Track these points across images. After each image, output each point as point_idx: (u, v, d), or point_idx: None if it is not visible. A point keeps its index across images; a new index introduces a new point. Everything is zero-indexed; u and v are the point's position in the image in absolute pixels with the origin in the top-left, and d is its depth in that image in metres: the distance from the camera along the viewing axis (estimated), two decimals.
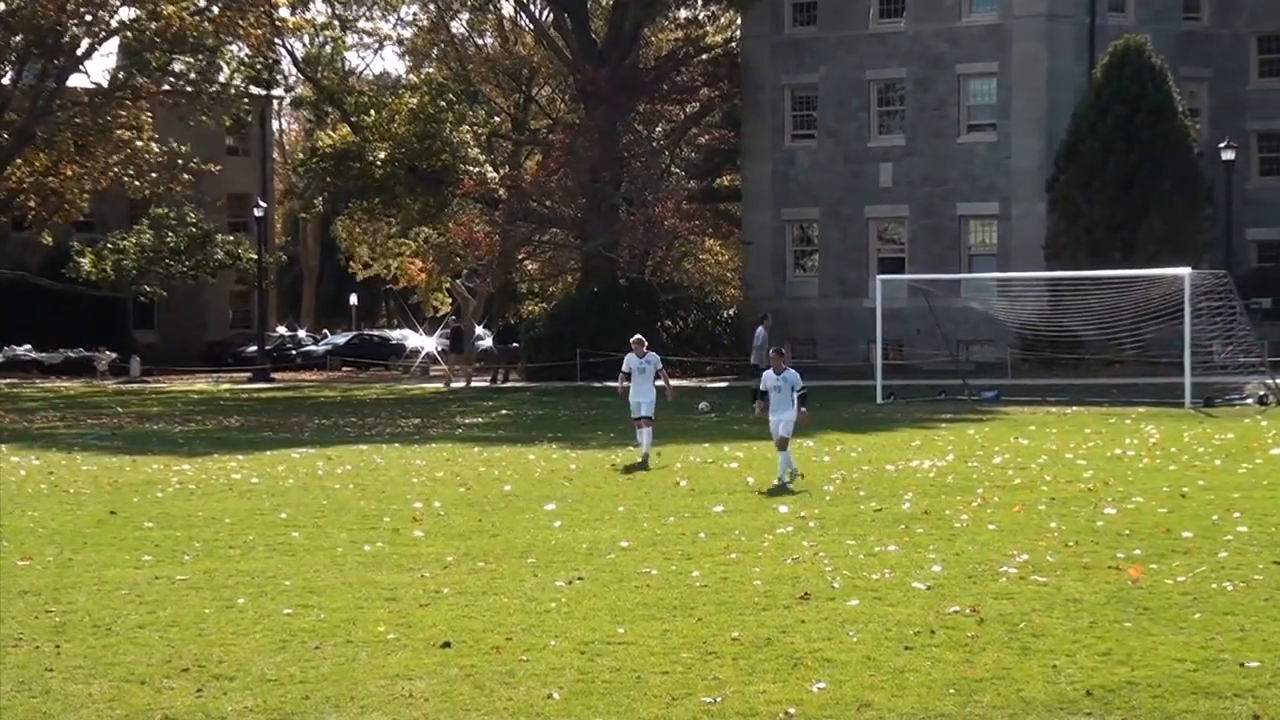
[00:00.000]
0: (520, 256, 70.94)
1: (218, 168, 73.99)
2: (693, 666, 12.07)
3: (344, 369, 78.82)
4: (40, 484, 26.47)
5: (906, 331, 55.80)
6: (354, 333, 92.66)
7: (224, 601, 15.05)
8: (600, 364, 57.61)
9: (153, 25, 65.06)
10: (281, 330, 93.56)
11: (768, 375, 25.02)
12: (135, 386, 64.94)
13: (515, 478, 26.30)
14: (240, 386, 63.95)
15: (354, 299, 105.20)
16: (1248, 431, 32.31)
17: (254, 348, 75.12)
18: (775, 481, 23.91)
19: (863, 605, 14.15)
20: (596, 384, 56.63)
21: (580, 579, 15.88)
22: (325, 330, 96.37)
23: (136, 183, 68.06)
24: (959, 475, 24.93)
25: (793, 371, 24.93)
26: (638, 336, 29.85)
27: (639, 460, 27.94)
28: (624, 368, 29.51)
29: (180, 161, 67.69)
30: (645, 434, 28.37)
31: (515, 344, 64.62)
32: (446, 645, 12.92)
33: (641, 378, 28.95)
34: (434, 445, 33.67)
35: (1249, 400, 41.01)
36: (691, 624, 13.57)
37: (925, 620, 13.44)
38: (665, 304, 63.13)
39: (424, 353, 75.03)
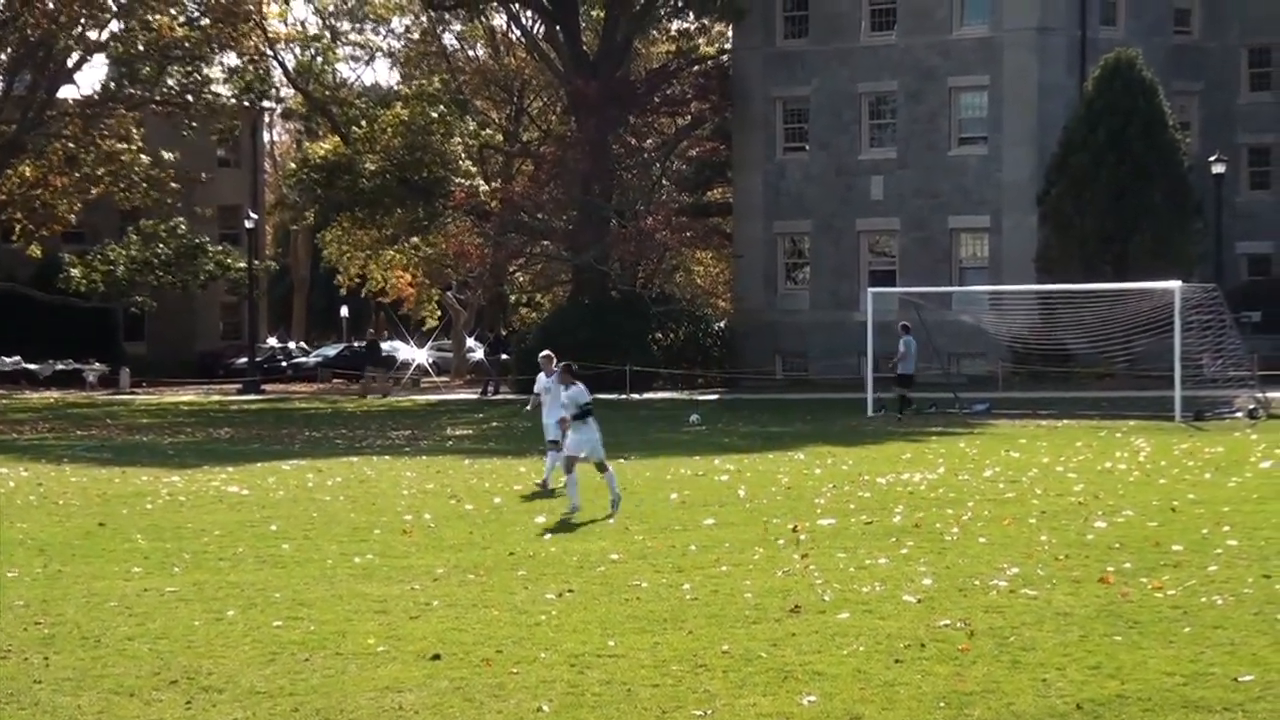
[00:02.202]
0: (511, 269, 70.92)
1: (207, 175, 74.11)
2: (683, 679, 12.06)
3: (334, 380, 78.76)
4: (29, 495, 26.43)
5: (897, 344, 55.73)
6: (344, 345, 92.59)
7: (213, 614, 15.03)
8: (591, 376, 57.38)
9: (143, 36, 65.14)
10: (272, 342, 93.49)
11: (564, 392, 23.49)
12: (125, 398, 64.87)
13: (505, 490, 26.28)
14: (230, 398, 63.91)
15: (344, 311, 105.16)
16: (1237, 445, 32.33)
17: (244, 359, 75.06)
18: (565, 511, 22.35)
19: (853, 618, 14.14)
20: None
21: (570, 591, 15.86)
22: (302, 343, 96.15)
23: (125, 194, 68.13)
24: (950, 488, 24.92)
25: (577, 386, 23.22)
26: (546, 353, 27.42)
27: (539, 486, 26.09)
28: (535, 387, 27.80)
29: (172, 170, 67.75)
30: (549, 458, 26.22)
31: (506, 356, 64.59)
32: (436, 658, 12.91)
33: (548, 397, 26.57)
34: (424, 457, 33.67)
35: (1239, 414, 41.01)
36: (682, 637, 13.56)
37: (915, 633, 13.43)
38: (656, 316, 63.09)
39: (415, 365, 75.02)
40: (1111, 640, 13.08)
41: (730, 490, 25.30)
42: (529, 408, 27.90)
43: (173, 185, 67.90)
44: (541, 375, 27.20)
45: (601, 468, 23.12)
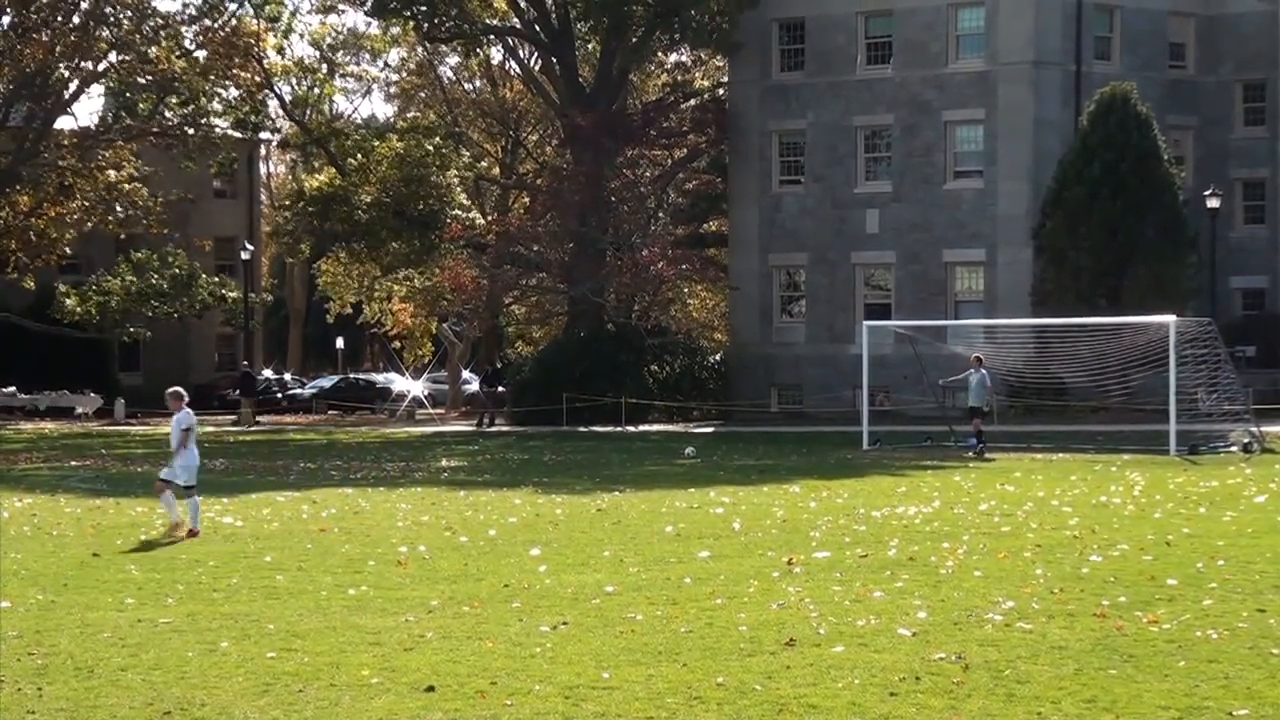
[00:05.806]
0: (507, 301, 70.98)
1: (203, 206, 74.24)
2: (677, 712, 12.03)
3: (329, 412, 78.74)
4: (23, 526, 26.38)
5: (893, 378, 55.84)
6: (339, 376, 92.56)
7: (207, 645, 14.99)
8: (586, 408, 57.57)
9: (141, 68, 65.26)
10: (267, 373, 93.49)
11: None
12: (120, 429, 64.81)
13: (500, 522, 26.24)
14: (225, 429, 63.84)
15: (340, 342, 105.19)
16: (1232, 479, 32.33)
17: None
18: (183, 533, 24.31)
19: (848, 651, 14.11)
20: (583, 428, 56.57)
21: (565, 624, 15.83)
22: (295, 374, 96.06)
23: (119, 224, 68.22)
24: (945, 521, 24.90)
25: (186, 412, 24.86)
26: (174, 389, 25.66)
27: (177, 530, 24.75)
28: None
29: (162, 198, 67.87)
30: (165, 498, 25.21)
31: (501, 388, 64.62)
32: (430, 690, 12.87)
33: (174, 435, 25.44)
34: (418, 489, 33.61)
35: (1233, 448, 41.04)
36: (676, 669, 13.53)
37: (910, 667, 13.41)
38: (652, 348, 63.13)
39: (410, 397, 75.01)
40: (1106, 674, 13.06)
41: (725, 523, 25.26)
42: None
43: (161, 214, 67.99)
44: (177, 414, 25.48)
45: (186, 493, 24.25)
